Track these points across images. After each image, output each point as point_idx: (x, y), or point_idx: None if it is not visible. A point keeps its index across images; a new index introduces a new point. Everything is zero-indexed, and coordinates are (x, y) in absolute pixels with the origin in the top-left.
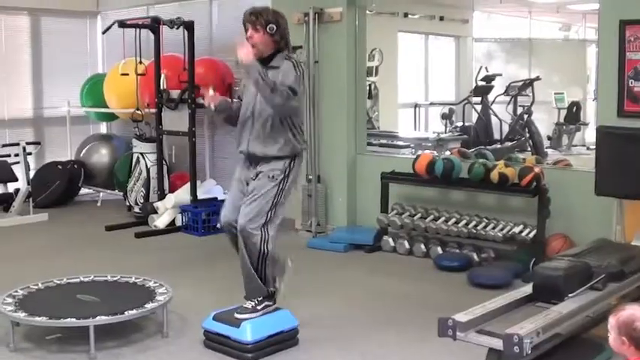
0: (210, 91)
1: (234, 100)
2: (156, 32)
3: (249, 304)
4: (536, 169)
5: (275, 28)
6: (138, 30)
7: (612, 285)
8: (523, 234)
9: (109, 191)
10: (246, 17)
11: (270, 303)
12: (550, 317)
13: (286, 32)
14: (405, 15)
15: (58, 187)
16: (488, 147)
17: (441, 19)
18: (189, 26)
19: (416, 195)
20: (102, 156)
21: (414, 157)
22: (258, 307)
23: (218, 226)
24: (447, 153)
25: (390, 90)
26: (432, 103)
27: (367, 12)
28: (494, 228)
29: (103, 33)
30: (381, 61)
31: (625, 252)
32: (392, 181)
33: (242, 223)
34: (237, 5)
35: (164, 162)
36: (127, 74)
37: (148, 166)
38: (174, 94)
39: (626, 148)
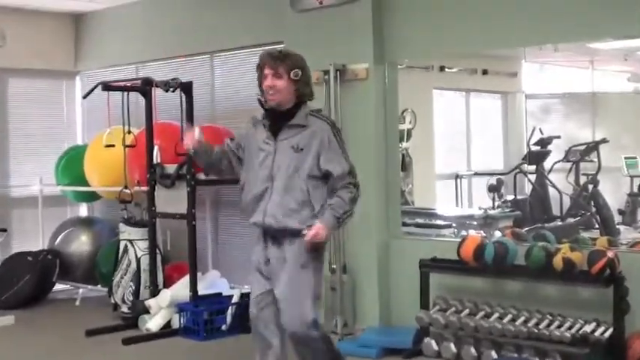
0: (197, 133)
1: (223, 144)
2: (147, 96)
3: None
4: (610, 254)
5: (300, 74)
6: (126, 93)
7: None
8: (596, 333)
9: (90, 287)
10: (266, 59)
11: None
12: None
13: (311, 80)
14: (442, 69)
15: (27, 283)
16: (546, 225)
17: (485, 72)
18: (186, 88)
19: (463, 286)
20: (82, 244)
21: (459, 240)
22: None
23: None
24: (498, 234)
25: (425, 158)
26: (476, 173)
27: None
28: (560, 326)
29: (84, 97)
30: (413, 124)
31: None
32: (433, 269)
33: (296, 329)
34: (242, 61)
35: (157, 250)
36: (113, 146)
37: (138, 256)
38: (170, 168)
39: None
